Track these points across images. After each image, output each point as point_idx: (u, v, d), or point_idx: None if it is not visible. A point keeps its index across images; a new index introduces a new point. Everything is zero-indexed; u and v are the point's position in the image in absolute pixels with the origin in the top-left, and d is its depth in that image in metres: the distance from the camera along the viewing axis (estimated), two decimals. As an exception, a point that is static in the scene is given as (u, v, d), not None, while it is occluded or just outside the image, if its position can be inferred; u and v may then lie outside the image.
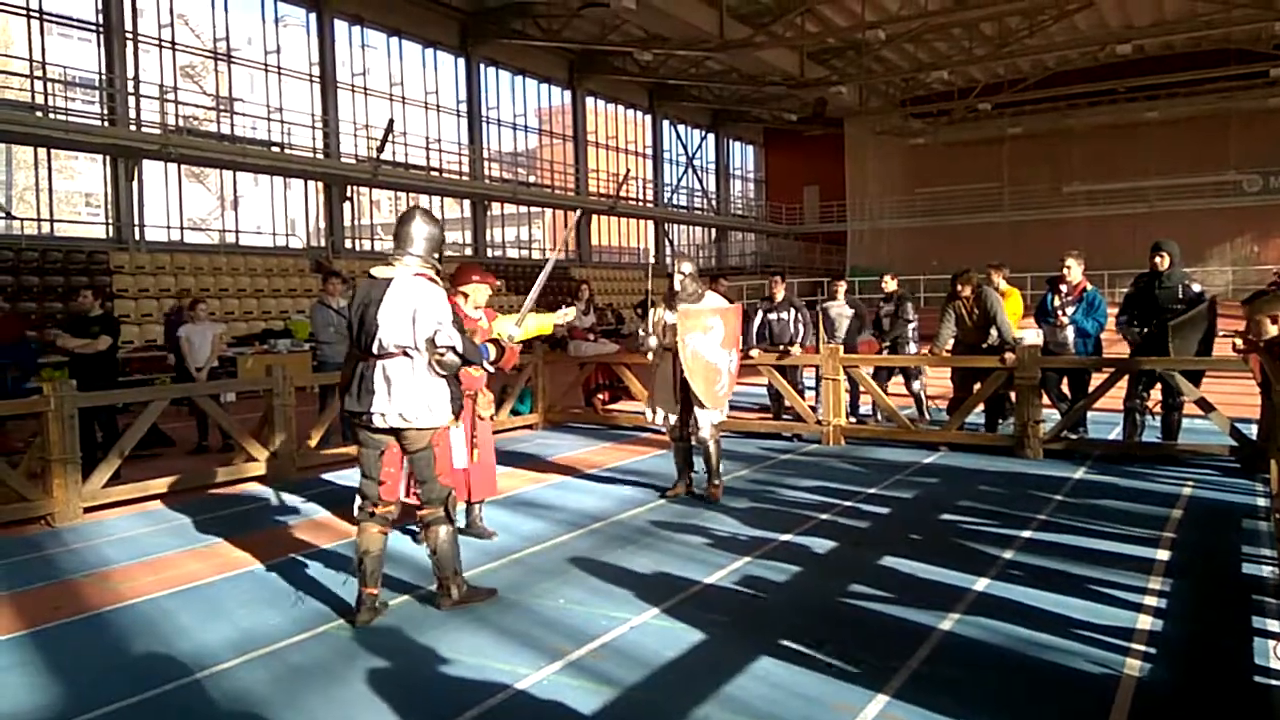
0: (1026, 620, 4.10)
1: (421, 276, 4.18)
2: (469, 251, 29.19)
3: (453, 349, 4.10)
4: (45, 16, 18.95)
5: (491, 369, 4.57)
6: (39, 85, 18.96)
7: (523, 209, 32.91)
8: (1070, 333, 8.21)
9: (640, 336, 6.66)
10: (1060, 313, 8.21)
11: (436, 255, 4.31)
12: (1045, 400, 8.22)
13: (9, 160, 21.73)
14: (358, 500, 4.35)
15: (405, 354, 4.12)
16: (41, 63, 18.88)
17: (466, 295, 5.60)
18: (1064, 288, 8.27)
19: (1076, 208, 34.37)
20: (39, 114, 18.54)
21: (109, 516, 6.51)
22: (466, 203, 29.02)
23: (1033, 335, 8.59)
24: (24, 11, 18.69)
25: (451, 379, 4.23)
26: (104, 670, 3.78)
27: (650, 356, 6.63)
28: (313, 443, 8.11)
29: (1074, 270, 8.17)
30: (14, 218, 19.63)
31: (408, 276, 4.16)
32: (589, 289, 12.53)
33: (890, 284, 9.93)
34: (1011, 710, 3.30)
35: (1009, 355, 7.90)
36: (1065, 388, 8.56)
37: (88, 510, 6.49)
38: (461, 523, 5.74)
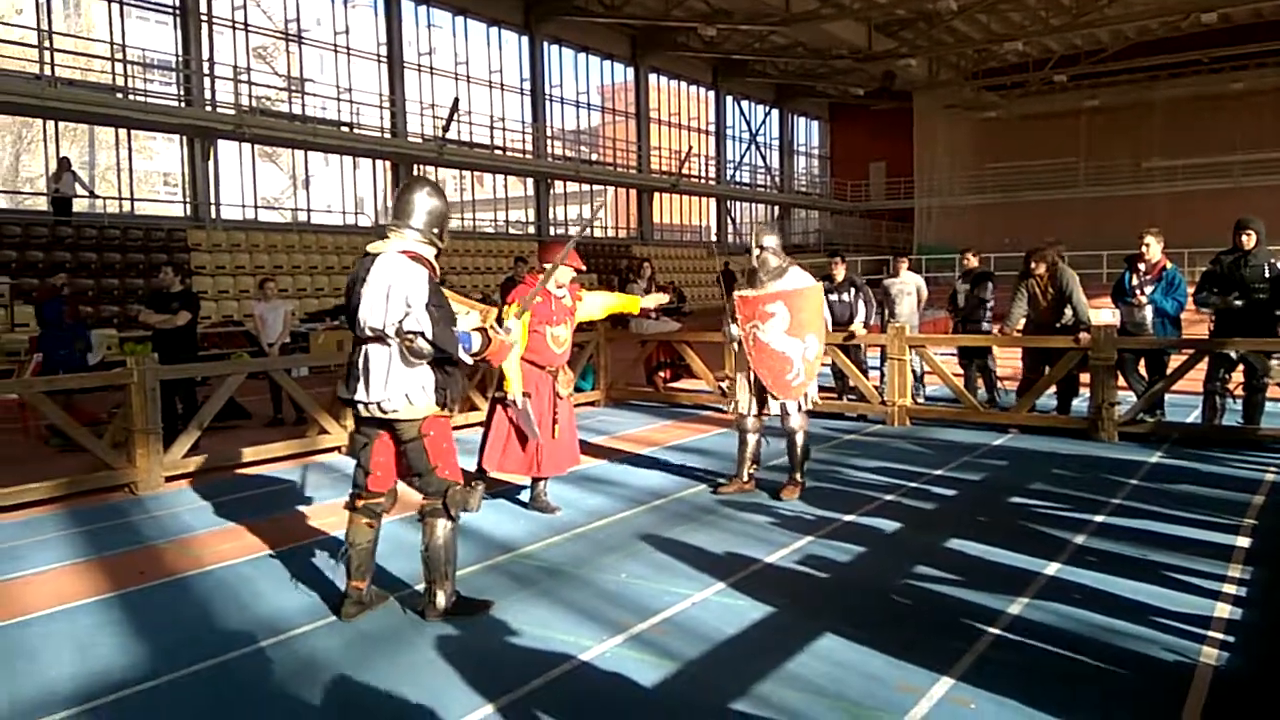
0: (1099, 606, 4.01)
1: (405, 254, 3.83)
2: (531, 230, 29.40)
3: (422, 335, 3.69)
4: (125, 0, 19.52)
5: (470, 361, 4.05)
6: (119, 68, 19.56)
7: (585, 187, 32.97)
8: (1148, 312, 7.94)
9: (725, 323, 6.22)
10: (1138, 291, 7.95)
11: (437, 230, 3.99)
12: (1121, 382, 7.99)
13: (92, 141, 22.53)
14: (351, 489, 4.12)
15: (382, 339, 3.80)
16: (122, 45, 19.48)
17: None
18: (1142, 266, 7.99)
19: (1156, 183, 33.22)
20: (120, 95, 19.15)
21: (189, 485, 6.75)
22: (529, 181, 29.18)
23: (1107, 315, 8.33)
24: (106, -4, 19.29)
25: (441, 366, 3.85)
26: (187, 632, 3.94)
27: (734, 346, 6.20)
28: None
29: (1153, 248, 7.89)
30: (97, 196, 20.31)
31: (393, 254, 3.84)
32: (651, 267, 12.54)
33: (972, 260, 9.69)
34: (1082, 697, 3.24)
35: (1084, 336, 7.69)
36: (1142, 369, 8.30)
37: (168, 479, 6.73)
38: (527, 496, 5.87)
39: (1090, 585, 4.28)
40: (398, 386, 3.79)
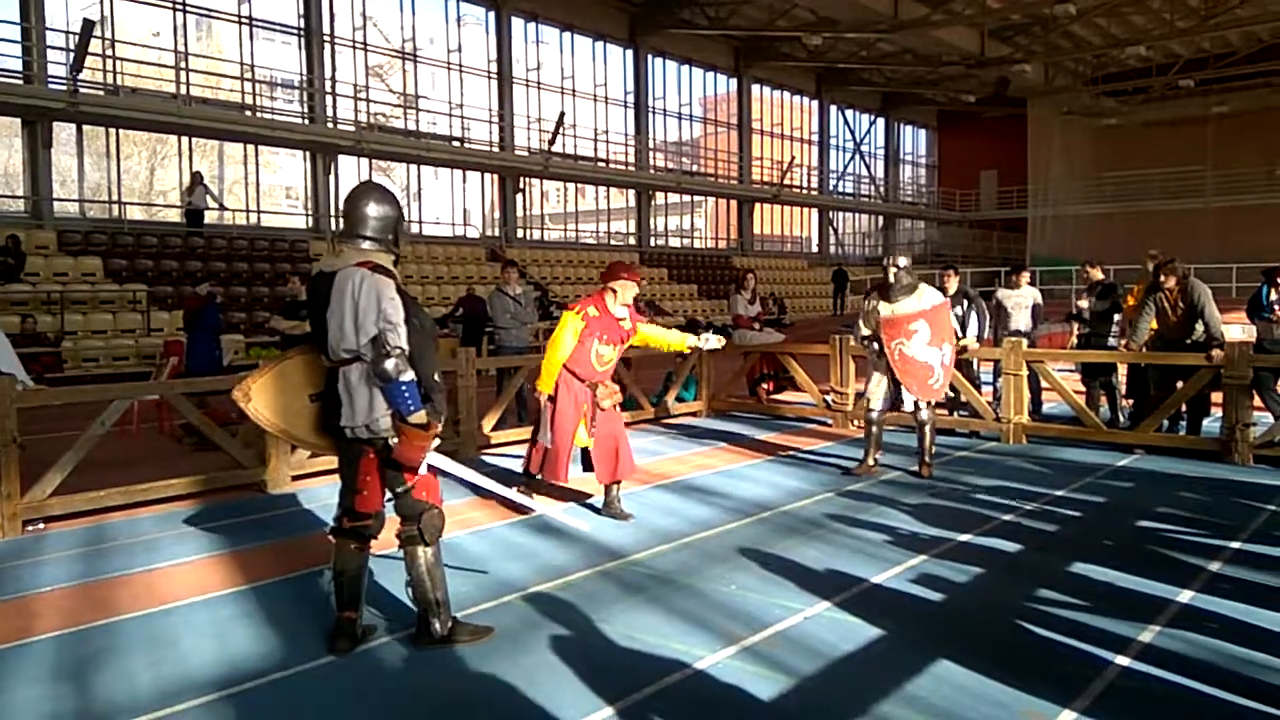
0: (1237, 637, 3.80)
1: (363, 266, 3.58)
2: (632, 240, 29.67)
3: (401, 350, 3.49)
4: (254, 22, 20.61)
5: (408, 421, 3.57)
6: (248, 87, 20.65)
7: (686, 198, 33.09)
8: (1289, 329, 7.51)
9: (854, 329, 7.39)
10: (1278, 307, 7.52)
11: (391, 237, 3.72)
12: (1257, 402, 7.55)
13: (221, 156, 23.84)
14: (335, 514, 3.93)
15: (360, 360, 3.58)
16: (250, 66, 20.57)
17: (615, 292, 5.82)
18: (1283, 280, 7.57)
19: (1293, 192, 31.23)
20: (248, 113, 20.22)
21: (314, 484, 7.05)
22: (631, 192, 29.46)
23: (1237, 330, 7.90)
24: (235, 18, 20.41)
25: (420, 380, 3.60)
26: (317, 625, 4.10)
27: (863, 343, 7.18)
28: (489, 423, 8.48)
29: (1295, 261, 7.45)
30: (226, 209, 21.47)
31: (350, 268, 3.59)
32: (754, 278, 12.46)
33: (1096, 273, 9.32)
34: (1223, 732, 3.08)
35: (1217, 353, 7.31)
36: (1281, 389, 7.83)
37: (295, 478, 7.05)
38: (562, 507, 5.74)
39: (1227, 615, 4.07)
40: (361, 411, 3.59)
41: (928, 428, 7.02)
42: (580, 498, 6.39)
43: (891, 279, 6.81)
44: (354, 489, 3.79)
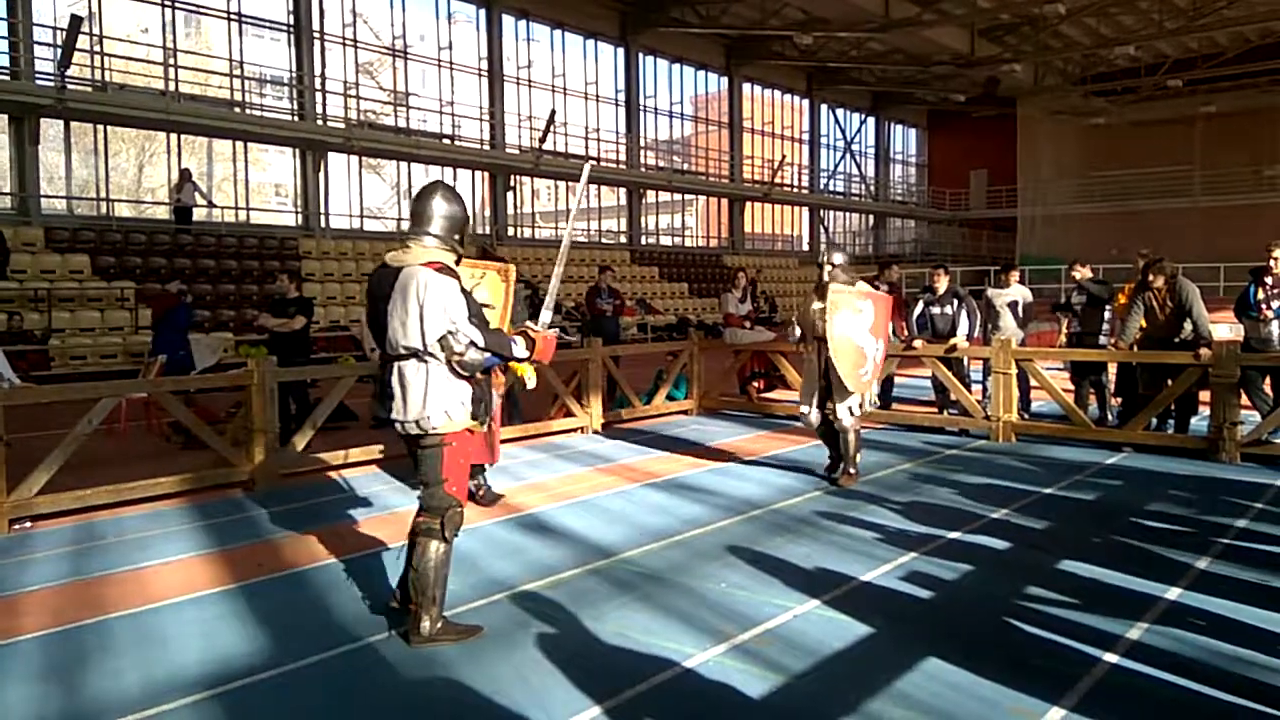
0: (1226, 634, 3.83)
1: (430, 266, 3.68)
2: (624, 239, 29.66)
3: (473, 345, 3.67)
4: (243, 18, 20.51)
5: (526, 361, 3.96)
6: (237, 84, 20.55)
7: (677, 196, 33.10)
8: (1275, 327, 7.55)
9: (790, 326, 6.97)
10: (1264, 306, 7.56)
11: (457, 237, 3.87)
12: (1244, 400, 7.60)
13: (210, 153, 23.72)
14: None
15: (417, 357, 3.70)
16: (240, 62, 20.47)
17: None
18: (1269, 279, 7.61)
19: (1278, 192, 31.40)
20: (237, 110, 20.13)
21: (303, 482, 7.02)
22: (622, 191, 29.45)
23: (1225, 330, 7.94)
24: (225, 15, 20.31)
25: (480, 378, 3.81)
26: (305, 624, 4.11)
27: (796, 345, 6.88)
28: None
29: (1281, 261, 7.49)
30: (215, 206, 21.36)
31: (418, 268, 3.69)
32: (746, 276, 12.45)
33: (1083, 272, 9.32)
34: (1210, 729, 3.10)
35: (1205, 351, 7.35)
36: (1268, 387, 7.88)
37: (284, 476, 7.02)
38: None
39: (1216, 612, 4.09)
40: (438, 403, 3.71)
41: (850, 435, 6.65)
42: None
43: (827, 277, 6.56)
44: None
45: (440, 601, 3.84)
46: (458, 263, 3.88)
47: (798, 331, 6.81)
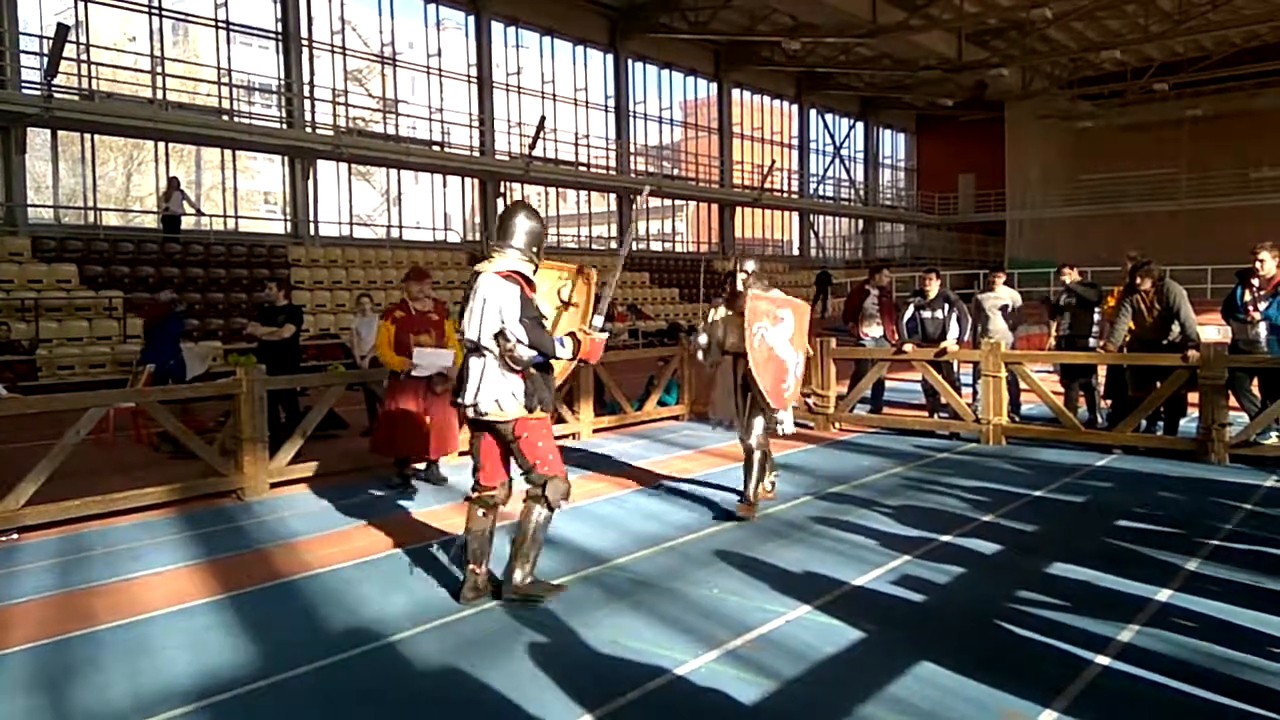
0: (1216, 635, 3.84)
1: (500, 274, 4.19)
2: (614, 245, 29.65)
3: (520, 342, 4.10)
4: (231, 26, 20.46)
5: (570, 360, 4.43)
6: (225, 91, 20.49)
7: (667, 202, 33.13)
8: (1262, 329, 7.58)
9: (692, 336, 6.34)
10: (1251, 308, 7.60)
11: (535, 250, 4.36)
12: (1232, 402, 7.64)
13: (198, 161, 23.64)
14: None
15: (478, 350, 4.21)
16: (228, 70, 20.41)
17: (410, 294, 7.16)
18: (1255, 281, 7.64)
19: (1265, 195, 31.61)
20: (225, 118, 20.07)
21: (293, 492, 7.00)
22: (612, 197, 29.47)
23: (1213, 331, 7.98)
24: (212, 23, 20.26)
25: (532, 372, 4.20)
26: (295, 634, 4.08)
27: (700, 356, 6.24)
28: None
29: (1268, 263, 7.52)
30: (203, 214, 21.29)
31: (490, 274, 4.22)
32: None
33: (1072, 275, 9.36)
34: (1202, 730, 3.10)
35: (1193, 353, 7.38)
36: (1256, 388, 7.92)
37: (273, 485, 6.99)
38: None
39: (1205, 613, 4.10)
40: (489, 392, 4.19)
41: (756, 456, 5.94)
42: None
43: (740, 285, 5.96)
44: (477, 464, 4.47)
45: (533, 561, 4.37)
46: (535, 270, 4.40)
47: (703, 339, 6.14)
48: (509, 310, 4.10)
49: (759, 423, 5.95)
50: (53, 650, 3.96)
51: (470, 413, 4.29)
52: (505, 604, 4.35)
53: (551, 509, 4.33)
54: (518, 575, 4.32)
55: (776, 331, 5.82)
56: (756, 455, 5.97)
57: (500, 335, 4.12)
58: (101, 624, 4.25)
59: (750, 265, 6.14)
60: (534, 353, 4.16)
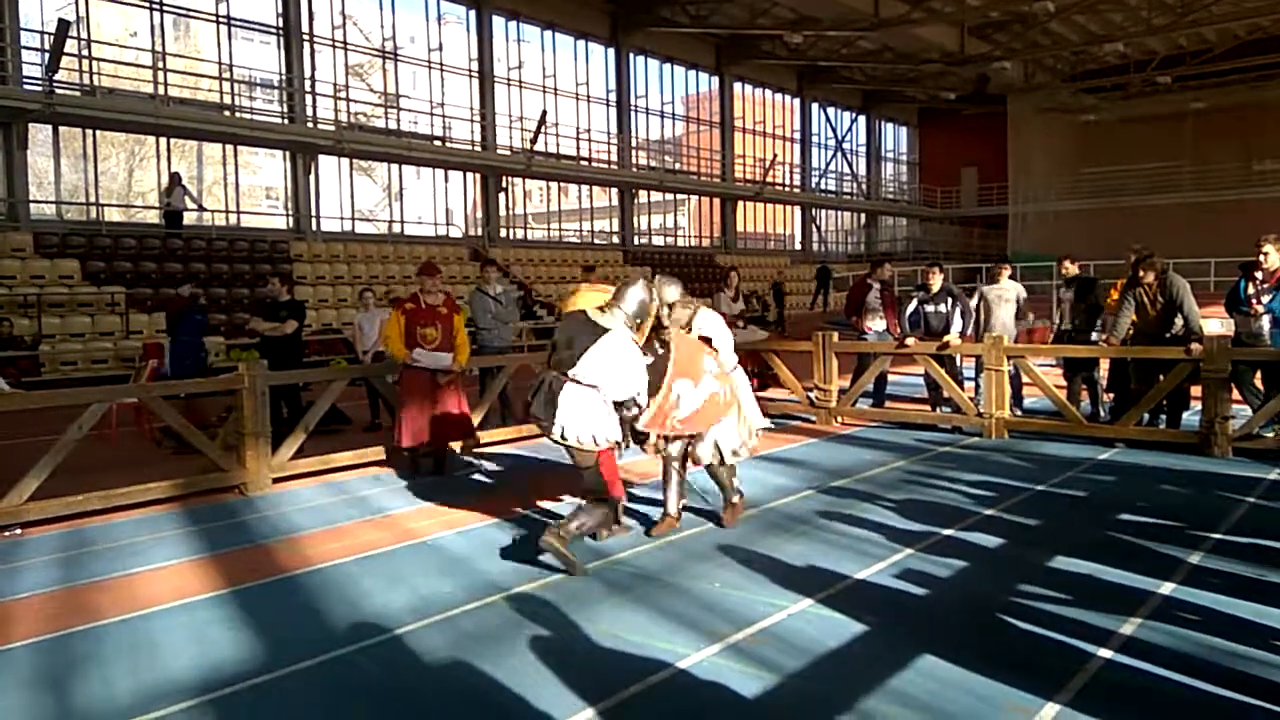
0: (1219, 628, 3.83)
1: (633, 341, 4.78)
2: (615, 239, 29.64)
3: (636, 404, 4.83)
4: (232, 21, 20.44)
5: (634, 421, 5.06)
6: (226, 87, 20.47)
7: (669, 196, 33.10)
8: (1265, 322, 7.56)
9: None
10: (1255, 301, 7.58)
11: (639, 321, 4.86)
12: (1235, 395, 7.62)
13: (200, 157, 23.64)
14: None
15: (594, 388, 4.62)
16: (229, 65, 20.39)
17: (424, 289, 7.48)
18: (1259, 274, 7.62)
19: (1268, 187, 31.53)
20: (227, 113, 20.06)
21: (295, 487, 7.00)
22: (614, 191, 29.43)
23: (1216, 325, 7.96)
24: (214, 18, 20.23)
25: (622, 415, 4.83)
26: (297, 629, 4.09)
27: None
28: (475, 421, 8.42)
29: (1272, 256, 7.48)
30: (205, 209, 21.29)
31: (622, 333, 4.72)
32: (737, 275, 12.46)
33: (1071, 268, 9.35)
34: (1204, 723, 3.10)
35: (1196, 346, 7.37)
36: (1259, 381, 7.91)
37: (276, 480, 7.00)
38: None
39: (1209, 607, 4.10)
40: (587, 427, 4.62)
41: (720, 472, 5.54)
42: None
43: (667, 321, 5.21)
44: None
45: (578, 536, 4.77)
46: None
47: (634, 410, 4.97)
48: (641, 384, 4.75)
49: (708, 439, 5.37)
50: (56, 645, 3.97)
51: (555, 437, 4.66)
52: (512, 597, 4.36)
53: (610, 511, 4.87)
54: (562, 531, 4.63)
55: (698, 391, 5.11)
56: (721, 471, 5.52)
57: (632, 401, 4.75)
58: (104, 619, 4.26)
59: (670, 293, 5.22)
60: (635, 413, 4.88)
